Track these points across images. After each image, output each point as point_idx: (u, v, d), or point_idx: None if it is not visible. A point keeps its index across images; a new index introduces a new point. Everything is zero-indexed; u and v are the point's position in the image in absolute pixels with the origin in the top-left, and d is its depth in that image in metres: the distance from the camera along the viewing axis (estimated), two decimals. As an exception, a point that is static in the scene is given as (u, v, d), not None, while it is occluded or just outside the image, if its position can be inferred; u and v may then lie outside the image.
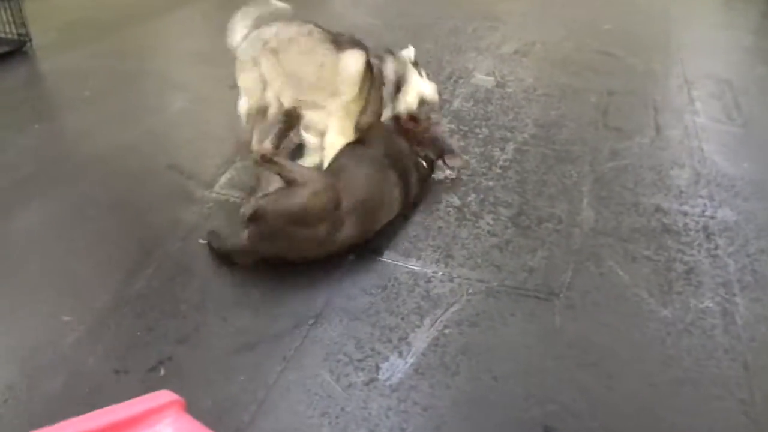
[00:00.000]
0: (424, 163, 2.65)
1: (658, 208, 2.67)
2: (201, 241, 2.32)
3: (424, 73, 2.68)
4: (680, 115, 3.52)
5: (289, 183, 2.18)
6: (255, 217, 2.13)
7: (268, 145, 2.42)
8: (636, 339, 2.01)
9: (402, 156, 2.54)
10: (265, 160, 2.26)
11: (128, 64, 3.89)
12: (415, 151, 2.63)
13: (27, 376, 1.77)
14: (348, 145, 2.52)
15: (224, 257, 2.23)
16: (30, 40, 3.88)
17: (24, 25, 3.81)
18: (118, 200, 2.57)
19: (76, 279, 2.13)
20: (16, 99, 3.41)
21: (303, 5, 5.33)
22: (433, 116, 2.78)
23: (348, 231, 2.20)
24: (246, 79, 2.57)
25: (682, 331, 2.04)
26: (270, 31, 2.55)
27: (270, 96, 2.56)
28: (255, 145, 2.61)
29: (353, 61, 2.50)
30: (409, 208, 2.53)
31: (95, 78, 3.63)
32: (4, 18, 3.76)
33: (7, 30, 3.80)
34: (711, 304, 2.15)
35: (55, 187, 2.63)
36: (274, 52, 2.50)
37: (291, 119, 2.52)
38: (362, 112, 2.53)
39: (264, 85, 2.54)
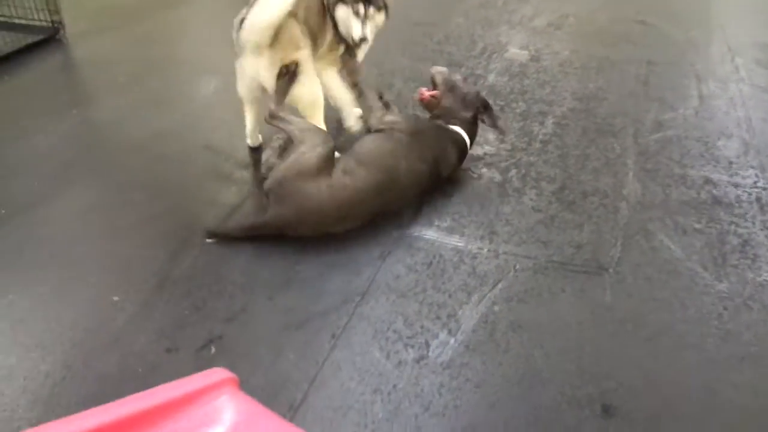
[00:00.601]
0: (463, 134, 2.56)
1: (707, 180, 2.59)
2: (208, 240, 2.26)
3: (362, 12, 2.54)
4: (725, 84, 3.40)
5: (293, 141, 2.25)
6: (271, 186, 2.20)
7: (271, 104, 2.39)
8: (691, 314, 1.95)
9: (432, 131, 2.48)
10: (273, 117, 2.32)
11: (159, 49, 3.89)
12: (446, 122, 2.56)
13: (82, 356, 1.78)
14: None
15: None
16: (63, 27, 3.89)
17: (57, 12, 3.82)
18: (159, 183, 2.57)
19: (122, 260, 2.14)
20: (53, 85, 3.43)
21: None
22: (457, 81, 2.66)
23: (366, 202, 2.20)
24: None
25: (740, 306, 1.97)
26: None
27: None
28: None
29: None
30: (441, 183, 2.49)
31: (128, 64, 3.63)
32: (38, 5, 3.77)
33: (41, 17, 3.81)
34: (769, 277, 2.08)
35: (97, 171, 2.65)
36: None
37: (287, 75, 2.40)
38: (314, 49, 2.47)
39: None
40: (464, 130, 2.54)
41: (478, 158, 2.73)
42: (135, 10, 4.48)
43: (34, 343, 1.82)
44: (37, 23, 3.81)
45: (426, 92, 2.66)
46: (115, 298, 1.97)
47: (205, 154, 2.77)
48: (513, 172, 2.66)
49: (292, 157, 2.21)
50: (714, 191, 2.52)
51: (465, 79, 2.71)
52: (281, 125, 2.33)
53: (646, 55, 3.76)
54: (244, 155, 2.75)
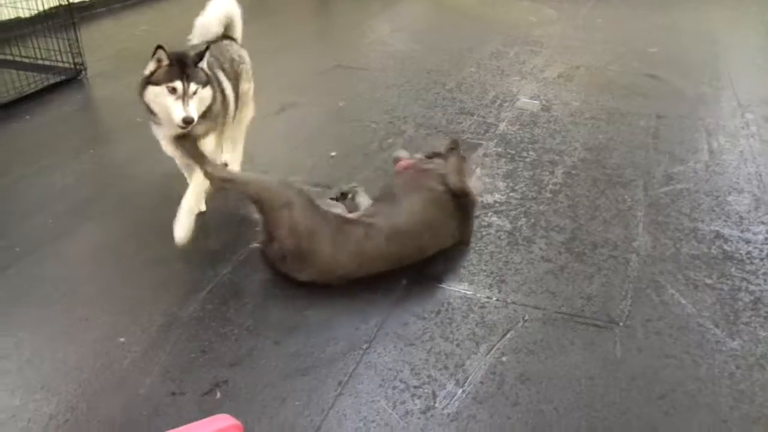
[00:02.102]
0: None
1: (718, 235, 2.58)
2: (256, 244, 2.34)
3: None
4: (735, 139, 3.42)
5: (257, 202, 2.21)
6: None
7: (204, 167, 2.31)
8: (703, 372, 1.92)
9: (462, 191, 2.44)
10: (221, 181, 2.29)
11: (177, 90, 3.98)
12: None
13: (87, 398, 1.77)
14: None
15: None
16: (85, 69, 4.01)
17: (80, 54, 3.95)
18: (171, 224, 2.59)
19: (131, 301, 2.15)
20: (72, 125, 3.51)
21: (347, 34, 5.45)
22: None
23: (383, 251, 2.22)
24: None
25: (752, 365, 1.94)
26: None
27: None
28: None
29: None
30: (468, 238, 2.49)
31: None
32: (61, 48, 3.90)
33: (64, 59, 3.93)
34: (782, 336, 2.05)
35: (111, 211, 2.68)
36: None
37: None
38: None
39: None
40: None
41: (488, 206, 2.75)
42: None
43: (39, 384, 1.81)
44: (61, 65, 3.93)
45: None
46: (122, 340, 1.97)
47: (218, 195, 2.80)
48: (523, 220, 2.66)
49: (285, 224, 2.15)
50: (725, 246, 2.51)
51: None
52: (236, 187, 2.32)
53: (656, 108, 3.80)
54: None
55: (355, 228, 2.21)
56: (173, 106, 2.16)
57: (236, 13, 2.80)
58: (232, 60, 2.69)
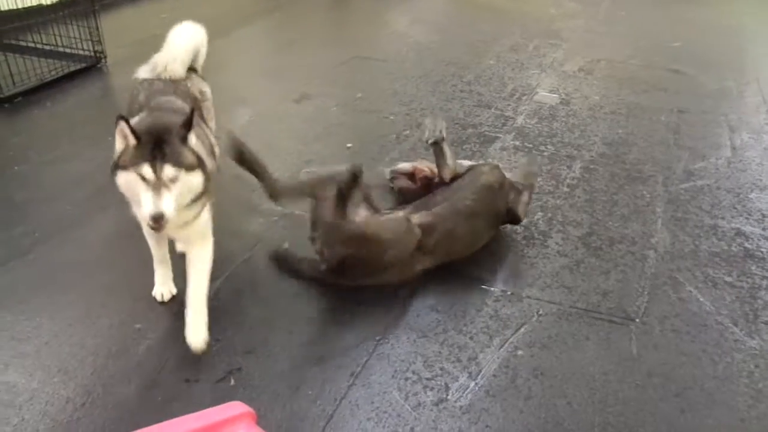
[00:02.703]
0: None
1: (738, 233, 2.54)
2: (278, 249, 2.32)
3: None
4: (759, 135, 3.36)
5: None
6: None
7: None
8: (721, 371, 1.90)
9: (494, 203, 2.40)
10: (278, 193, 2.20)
11: (196, 79, 3.99)
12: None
13: (103, 382, 1.79)
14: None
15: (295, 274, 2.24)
16: (105, 57, 4.04)
17: (100, 42, 3.97)
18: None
19: (148, 288, 2.16)
20: (92, 113, 3.54)
21: (365, 25, 5.42)
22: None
23: (427, 261, 2.21)
24: None
25: (771, 364, 1.91)
26: None
27: None
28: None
29: None
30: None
31: (165, 93, 3.73)
32: (82, 36, 3.93)
33: (85, 47, 3.96)
34: (803, 336, 2.01)
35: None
36: None
37: None
38: None
39: None
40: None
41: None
42: (175, 42, 4.62)
43: (57, 368, 1.84)
44: (81, 52, 3.96)
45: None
46: (138, 326, 1.99)
47: (234, 184, 2.81)
48: (539, 215, 2.64)
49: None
50: (746, 244, 2.46)
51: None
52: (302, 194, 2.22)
53: (677, 103, 3.74)
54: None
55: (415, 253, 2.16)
56: (142, 197, 1.62)
57: (204, 41, 2.39)
58: (195, 99, 2.12)
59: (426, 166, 2.58)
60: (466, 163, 2.53)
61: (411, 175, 2.58)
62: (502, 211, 2.40)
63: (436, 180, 2.48)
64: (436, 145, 2.41)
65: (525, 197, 2.47)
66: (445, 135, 2.42)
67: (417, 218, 2.19)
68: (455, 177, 2.41)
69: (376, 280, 2.15)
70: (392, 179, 2.65)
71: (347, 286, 2.16)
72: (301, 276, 2.22)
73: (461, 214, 2.24)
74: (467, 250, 2.33)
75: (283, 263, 2.26)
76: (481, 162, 2.60)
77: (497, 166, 2.46)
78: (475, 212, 2.27)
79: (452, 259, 2.28)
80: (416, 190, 2.51)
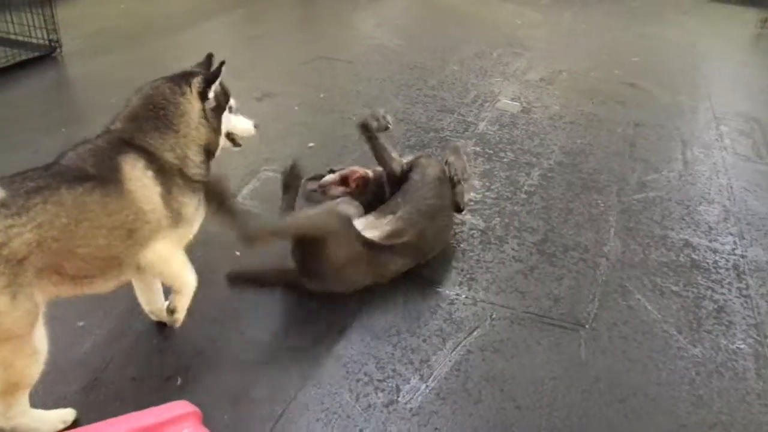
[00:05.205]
0: None
1: (686, 244, 2.61)
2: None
3: None
4: (709, 151, 3.47)
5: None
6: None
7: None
8: (664, 377, 1.95)
9: (446, 192, 2.43)
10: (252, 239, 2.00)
11: (155, 73, 3.84)
12: None
13: (44, 379, 1.72)
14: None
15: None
16: (60, 46, 3.92)
17: (55, 31, 3.86)
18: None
19: (95, 283, 2.10)
20: (45, 103, 3.43)
21: (330, 25, 5.41)
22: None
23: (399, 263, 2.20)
24: None
25: (712, 372, 1.97)
26: None
27: None
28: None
29: None
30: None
31: (122, 86, 3.58)
32: (36, 23, 3.81)
33: (39, 35, 3.84)
34: (743, 346, 2.08)
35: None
36: None
37: None
38: None
39: None
40: None
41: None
42: (134, 33, 4.53)
43: (-6, 363, 1.76)
44: (35, 41, 3.83)
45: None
46: (81, 324, 1.93)
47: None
48: (496, 220, 2.67)
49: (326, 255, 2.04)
50: (693, 255, 2.54)
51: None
52: (282, 237, 2.11)
53: (634, 116, 3.84)
54: (231, 184, 2.74)
55: (385, 255, 2.15)
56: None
57: None
58: None
59: (357, 167, 2.51)
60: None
61: (343, 181, 2.48)
62: (452, 198, 2.43)
63: (372, 177, 2.45)
64: (375, 141, 2.39)
65: (460, 188, 2.48)
66: (390, 124, 2.42)
67: (386, 223, 2.20)
68: (404, 170, 2.41)
69: (344, 280, 2.11)
70: (321, 192, 2.50)
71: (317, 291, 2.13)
72: (267, 285, 2.18)
73: (426, 215, 2.25)
74: (440, 245, 2.37)
75: (245, 279, 2.19)
76: (417, 154, 2.58)
77: (431, 156, 2.50)
78: (437, 208, 2.30)
79: (427, 258, 2.31)
80: (353, 194, 2.43)
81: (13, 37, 3.84)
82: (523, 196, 2.87)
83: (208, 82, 1.77)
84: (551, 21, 5.79)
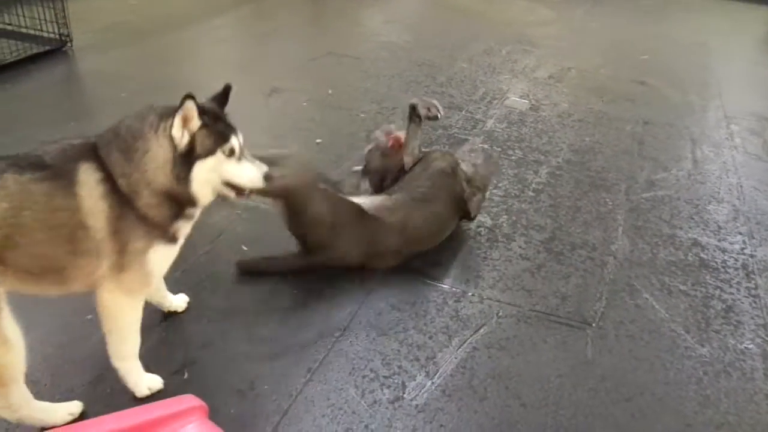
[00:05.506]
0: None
1: (695, 243, 2.60)
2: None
3: None
4: (719, 150, 3.45)
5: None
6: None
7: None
8: (672, 377, 1.94)
9: (451, 188, 2.41)
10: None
11: (164, 68, 3.93)
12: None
13: (51, 372, 1.75)
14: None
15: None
16: (71, 41, 3.94)
17: (66, 25, 3.87)
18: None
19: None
20: (54, 97, 3.45)
21: (339, 22, 5.40)
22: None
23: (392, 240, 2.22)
24: None
25: (720, 372, 1.96)
26: None
27: None
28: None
29: None
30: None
31: (132, 81, 3.66)
32: (47, 17, 3.82)
33: (50, 29, 3.86)
34: (751, 346, 2.07)
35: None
36: None
37: None
38: None
39: None
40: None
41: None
42: (143, 28, 4.54)
43: (3, 355, 1.78)
44: (45, 35, 3.85)
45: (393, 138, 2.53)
46: (90, 317, 1.94)
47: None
48: (504, 218, 2.66)
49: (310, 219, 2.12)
50: (701, 254, 2.53)
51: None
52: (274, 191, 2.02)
53: (643, 114, 3.82)
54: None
55: (373, 224, 2.18)
56: (237, 170, 1.62)
57: None
58: None
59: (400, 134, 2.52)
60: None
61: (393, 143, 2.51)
62: (461, 197, 2.41)
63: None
64: (413, 126, 2.42)
65: (479, 197, 2.49)
66: (441, 114, 2.45)
67: (379, 200, 2.23)
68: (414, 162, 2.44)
69: (340, 244, 2.15)
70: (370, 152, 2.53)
71: (320, 268, 2.19)
72: (275, 271, 2.21)
73: (417, 201, 2.28)
74: (433, 238, 2.36)
75: (254, 267, 2.24)
76: (433, 149, 2.64)
77: (449, 153, 2.51)
78: (430, 197, 2.30)
79: (420, 248, 2.32)
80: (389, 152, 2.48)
81: (24, 30, 3.86)
82: (531, 194, 2.86)
83: (183, 122, 1.49)
84: (562, 18, 5.76)
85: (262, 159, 1.70)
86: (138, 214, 1.51)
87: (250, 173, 1.62)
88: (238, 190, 1.63)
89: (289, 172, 2.03)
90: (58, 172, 1.46)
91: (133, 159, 1.49)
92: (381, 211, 2.20)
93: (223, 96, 1.66)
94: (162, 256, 1.59)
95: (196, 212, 1.62)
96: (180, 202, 1.55)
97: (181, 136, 1.49)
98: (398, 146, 2.48)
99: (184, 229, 1.61)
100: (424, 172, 2.36)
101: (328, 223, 2.12)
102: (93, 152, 1.50)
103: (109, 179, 1.48)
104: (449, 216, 2.41)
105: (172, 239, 1.58)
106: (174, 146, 1.49)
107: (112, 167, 1.49)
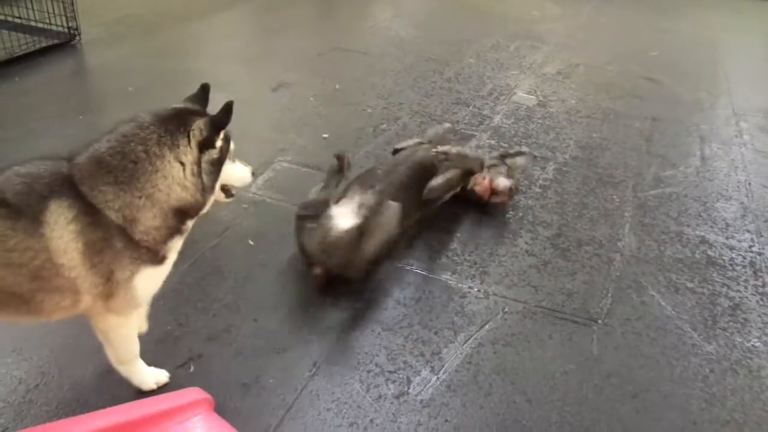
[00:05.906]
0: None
1: (703, 240, 2.59)
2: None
3: None
4: (727, 147, 3.43)
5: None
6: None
7: None
8: (678, 374, 1.93)
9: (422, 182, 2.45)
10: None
11: (172, 62, 3.93)
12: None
13: (59, 363, 1.76)
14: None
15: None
16: (79, 34, 3.95)
17: (75, 18, 3.89)
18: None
19: (111, 269, 2.12)
20: (63, 90, 3.46)
21: (346, 17, 5.40)
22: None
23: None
24: None
25: (726, 370, 1.95)
26: None
27: None
28: None
29: None
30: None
31: (139, 74, 3.67)
32: (56, 11, 3.84)
33: (58, 23, 3.87)
34: (758, 344, 2.06)
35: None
36: None
37: None
38: None
39: None
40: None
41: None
42: (151, 22, 4.55)
43: (11, 348, 1.79)
44: (54, 28, 3.87)
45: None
46: (99, 307, 1.95)
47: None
48: (510, 213, 2.66)
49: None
50: (709, 252, 2.51)
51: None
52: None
53: (651, 111, 3.80)
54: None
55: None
56: (235, 169, 1.66)
57: None
58: None
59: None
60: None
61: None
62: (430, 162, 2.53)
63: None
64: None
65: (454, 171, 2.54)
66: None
67: (369, 197, 2.24)
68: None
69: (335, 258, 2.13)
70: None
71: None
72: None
73: (393, 185, 2.33)
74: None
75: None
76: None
77: (433, 149, 2.63)
78: (406, 186, 2.36)
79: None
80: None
81: (33, 23, 3.88)
82: (538, 190, 2.86)
83: (216, 128, 1.47)
84: (570, 14, 5.73)
85: None
86: (126, 242, 1.40)
87: (243, 172, 1.64)
88: (227, 191, 1.64)
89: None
90: (22, 212, 1.33)
91: (131, 185, 1.39)
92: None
93: (203, 95, 1.61)
94: (150, 280, 1.52)
95: (191, 224, 1.56)
96: (188, 214, 1.50)
97: (220, 143, 1.48)
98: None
99: (176, 246, 1.55)
100: (407, 159, 2.53)
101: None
102: (65, 186, 1.37)
103: (87, 213, 1.36)
104: (415, 207, 2.38)
105: (161, 260, 1.50)
106: (199, 156, 1.45)
107: (98, 202, 1.37)
